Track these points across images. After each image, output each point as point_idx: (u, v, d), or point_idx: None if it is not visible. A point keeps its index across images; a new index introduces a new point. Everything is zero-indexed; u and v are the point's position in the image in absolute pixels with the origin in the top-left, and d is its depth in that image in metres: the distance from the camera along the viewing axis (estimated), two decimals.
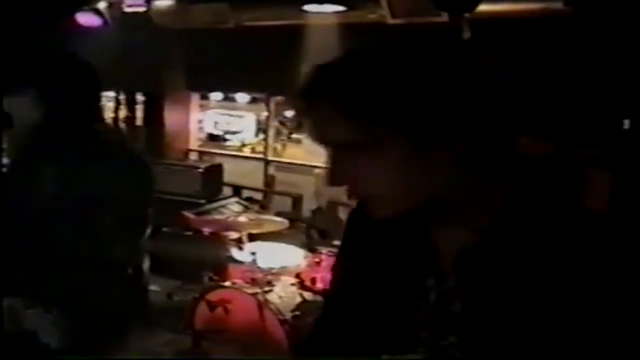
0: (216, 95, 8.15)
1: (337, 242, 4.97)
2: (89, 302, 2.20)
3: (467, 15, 4.66)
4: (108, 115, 7.41)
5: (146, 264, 2.50)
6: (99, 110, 2.44)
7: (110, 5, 6.46)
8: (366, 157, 1.11)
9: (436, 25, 5.04)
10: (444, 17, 4.83)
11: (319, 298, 4.28)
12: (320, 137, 1.16)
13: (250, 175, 7.40)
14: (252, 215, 4.86)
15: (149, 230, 2.43)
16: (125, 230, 2.29)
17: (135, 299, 2.49)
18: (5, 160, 2.45)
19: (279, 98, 7.46)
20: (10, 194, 2.42)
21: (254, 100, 8.01)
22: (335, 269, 1.56)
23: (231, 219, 4.66)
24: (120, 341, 2.41)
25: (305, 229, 4.95)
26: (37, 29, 5.59)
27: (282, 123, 7.61)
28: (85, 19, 6.38)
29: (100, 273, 2.21)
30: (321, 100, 1.12)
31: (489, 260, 1.16)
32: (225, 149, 8.01)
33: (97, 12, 6.38)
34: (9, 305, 2.11)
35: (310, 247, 4.67)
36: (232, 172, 7.07)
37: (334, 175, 1.16)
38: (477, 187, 1.16)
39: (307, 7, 5.64)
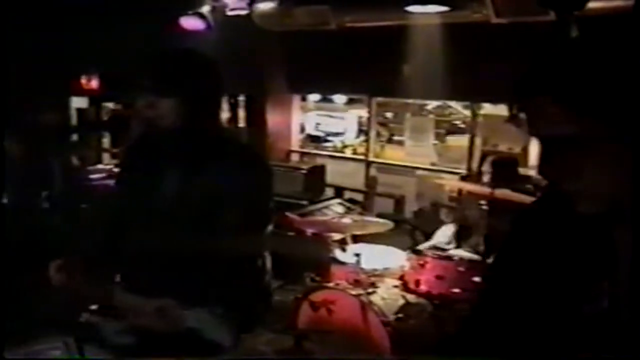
0: (314, 97, 8.20)
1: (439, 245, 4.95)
2: (213, 300, 2.29)
3: (575, 13, 4.53)
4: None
5: (268, 262, 2.57)
6: (221, 110, 2.50)
7: (214, 9, 6.57)
8: (580, 152, 1.11)
9: (542, 25, 4.93)
10: (551, 16, 4.72)
11: (422, 301, 4.24)
12: (535, 131, 1.16)
13: (351, 176, 7.42)
14: (357, 217, 4.86)
15: (271, 226, 2.48)
16: (250, 226, 2.34)
17: (259, 296, 2.57)
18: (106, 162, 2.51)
19: (380, 99, 7.46)
20: (133, 195, 2.49)
21: (351, 101, 8.01)
22: (493, 272, 1.54)
23: (335, 220, 4.65)
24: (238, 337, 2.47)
25: (410, 231, 4.90)
26: (145, 33, 5.76)
27: (382, 124, 7.59)
28: (189, 23, 6.51)
29: (224, 270, 2.28)
30: (538, 96, 1.12)
31: None
32: (325, 150, 8.05)
33: (201, 16, 6.49)
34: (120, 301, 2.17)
35: (414, 249, 4.63)
36: (332, 173, 7.08)
37: (546, 167, 1.17)
38: None
39: (410, 8, 5.60)
